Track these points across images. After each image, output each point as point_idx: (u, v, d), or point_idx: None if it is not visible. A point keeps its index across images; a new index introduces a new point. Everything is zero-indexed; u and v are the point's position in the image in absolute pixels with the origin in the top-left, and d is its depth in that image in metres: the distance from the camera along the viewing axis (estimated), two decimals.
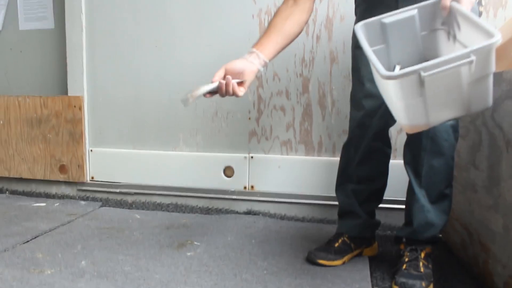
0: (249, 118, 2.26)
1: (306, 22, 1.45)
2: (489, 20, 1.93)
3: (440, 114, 1.13)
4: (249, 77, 1.34)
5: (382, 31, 1.26)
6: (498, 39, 0.97)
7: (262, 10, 2.18)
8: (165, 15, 2.33)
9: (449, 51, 1.23)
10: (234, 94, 1.32)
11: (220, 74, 1.33)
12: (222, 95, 1.33)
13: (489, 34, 1.00)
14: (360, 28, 1.26)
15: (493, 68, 1.04)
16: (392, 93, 1.09)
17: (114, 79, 2.44)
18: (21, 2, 2.60)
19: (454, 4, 1.15)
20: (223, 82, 1.30)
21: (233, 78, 1.31)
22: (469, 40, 1.11)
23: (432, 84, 1.02)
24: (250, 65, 1.34)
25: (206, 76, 2.23)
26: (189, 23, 2.30)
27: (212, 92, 1.33)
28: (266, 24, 2.16)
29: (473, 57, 0.98)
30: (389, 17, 1.25)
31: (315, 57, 2.14)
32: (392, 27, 1.25)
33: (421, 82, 1.00)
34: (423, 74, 1.00)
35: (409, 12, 1.24)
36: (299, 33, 1.44)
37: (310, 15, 1.46)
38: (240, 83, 1.32)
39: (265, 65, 1.37)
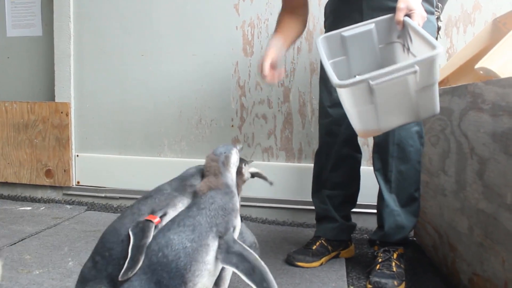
0: (232, 126, 2.33)
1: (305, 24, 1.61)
2: (459, 36, 2.04)
3: (391, 120, 1.21)
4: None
5: (342, 44, 1.35)
6: (439, 51, 1.06)
7: (245, 22, 2.26)
8: (152, 25, 2.39)
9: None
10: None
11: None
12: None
13: (432, 46, 1.09)
14: (321, 41, 1.34)
15: (437, 77, 1.12)
16: (345, 100, 1.17)
17: (101, 86, 2.48)
18: (9, 9, 2.63)
19: (407, 18, 1.24)
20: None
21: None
22: (418, 52, 1.20)
23: (381, 92, 1.09)
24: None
25: (191, 84, 2.31)
26: (174, 33, 2.36)
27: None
28: (249, 36, 2.25)
29: (416, 68, 1.06)
30: (348, 31, 1.33)
31: (296, 68, 2.22)
32: (351, 40, 1.33)
33: (371, 90, 1.08)
34: (371, 82, 1.07)
35: (367, 26, 1.33)
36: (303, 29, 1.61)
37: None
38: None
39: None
